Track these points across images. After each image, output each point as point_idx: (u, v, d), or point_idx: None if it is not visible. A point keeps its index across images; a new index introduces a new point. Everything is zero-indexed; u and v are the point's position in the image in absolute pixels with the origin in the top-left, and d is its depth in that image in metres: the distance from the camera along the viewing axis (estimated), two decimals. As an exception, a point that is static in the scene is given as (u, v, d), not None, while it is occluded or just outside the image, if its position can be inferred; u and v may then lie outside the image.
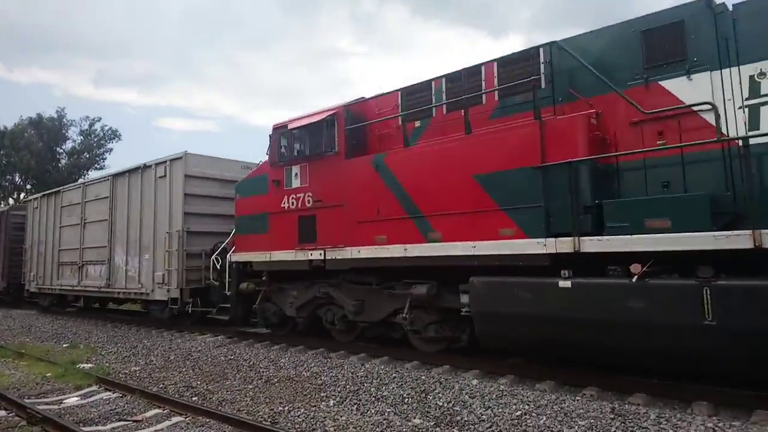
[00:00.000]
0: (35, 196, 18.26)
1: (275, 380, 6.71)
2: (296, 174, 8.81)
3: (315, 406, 5.64)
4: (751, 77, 5.23)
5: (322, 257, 8.24)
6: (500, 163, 6.28)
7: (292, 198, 8.81)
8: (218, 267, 10.61)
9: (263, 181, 9.36)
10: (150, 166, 12.63)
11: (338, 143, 8.20)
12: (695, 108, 5.46)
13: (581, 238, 5.58)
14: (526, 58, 6.74)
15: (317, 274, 8.64)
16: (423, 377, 6.36)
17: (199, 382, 6.86)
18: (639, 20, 5.97)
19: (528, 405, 5.17)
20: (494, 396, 5.51)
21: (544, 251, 5.85)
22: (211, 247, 11.79)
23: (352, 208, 7.90)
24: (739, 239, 4.69)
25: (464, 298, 6.66)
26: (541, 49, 6.60)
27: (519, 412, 5.00)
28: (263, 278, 9.47)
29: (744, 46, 5.29)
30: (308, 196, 8.56)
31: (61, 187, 16.81)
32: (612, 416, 4.74)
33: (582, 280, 5.56)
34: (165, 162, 12.14)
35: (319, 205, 8.37)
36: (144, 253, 12.58)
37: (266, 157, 9.54)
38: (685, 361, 5.15)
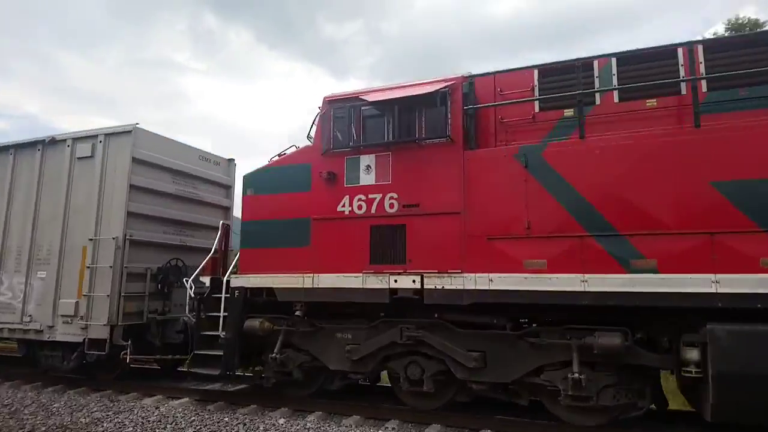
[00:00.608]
0: None
1: (43, 429, 5.82)
2: (368, 166, 6.17)
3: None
4: None
5: (417, 285, 5.69)
6: (760, 168, 4.64)
7: (360, 199, 6.12)
8: (192, 295, 7.15)
9: (303, 172, 6.48)
10: (62, 141, 8.57)
11: (452, 127, 5.86)
12: None
13: None
14: (755, 43, 5.27)
15: (390, 311, 6.04)
16: (226, 419, 5.95)
17: (-66, 435, 5.70)
18: None
19: None
20: None
21: None
22: (159, 265, 8.26)
23: (477, 217, 5.57)
24: None
25: (691, 354, 4.76)
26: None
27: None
28: (296, 313, 6.40)
29: None
30: (391, 197, 5.98)
31: None
32: None
33: None
34: (95, 136, 8.27)
35: (412, 212, 5.85)
36: (36, 270, 8.37)
37: (302, 144, 6.77)
38: None
